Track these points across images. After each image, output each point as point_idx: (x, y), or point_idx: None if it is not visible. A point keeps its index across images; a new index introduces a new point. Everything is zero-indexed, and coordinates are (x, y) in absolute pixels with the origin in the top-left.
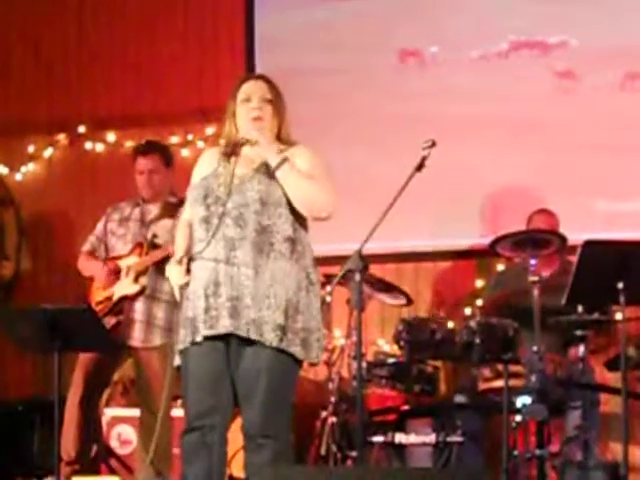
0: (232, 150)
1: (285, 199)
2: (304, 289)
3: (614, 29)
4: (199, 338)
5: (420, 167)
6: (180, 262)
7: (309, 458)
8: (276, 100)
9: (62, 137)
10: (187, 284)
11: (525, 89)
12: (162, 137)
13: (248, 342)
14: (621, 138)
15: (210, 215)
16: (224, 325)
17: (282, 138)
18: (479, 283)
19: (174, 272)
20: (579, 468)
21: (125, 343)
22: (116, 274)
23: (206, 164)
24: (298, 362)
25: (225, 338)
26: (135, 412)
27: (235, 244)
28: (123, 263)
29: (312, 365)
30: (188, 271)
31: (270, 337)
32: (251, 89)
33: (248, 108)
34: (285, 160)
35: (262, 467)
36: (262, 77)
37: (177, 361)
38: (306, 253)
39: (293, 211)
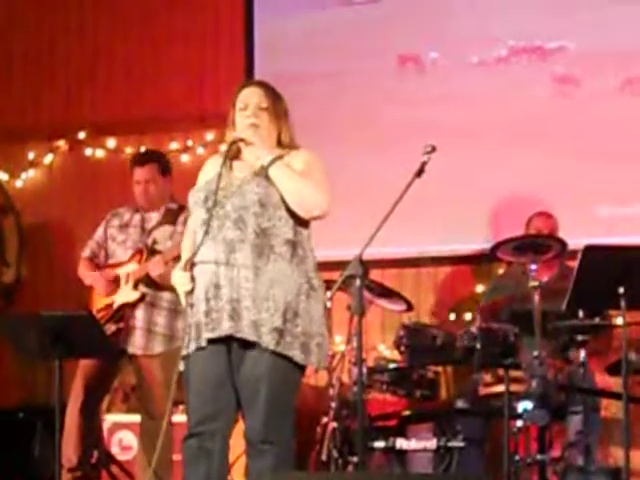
0: (232, 153)
1: (285, 202)
2: (304, 293)
3: (613, 34)
4: (203, 343)
5: (420, 172)
6: (185, 268)
7: (310, 464)
8: (273, 107)
9: (62, 143)
10: (192, 290)
11: (524, 94)
12: (162, 143)
13: (248, 345)
14: (621, 143)
15: (210, 218)
16: (225, 328)
17: (283, 143)
18: (480, 288)
19: (179, 279)
20: (580, 473)
21: (125, 350)
22: (115, 282)
23: (209, 170)
24: (299, 368)
25: (226, 341)
26: (136, 418)
27: (235, 246)
28: (122, 270)
29: (316, 371)
30: (193, 277)
31: (267, 339)
32: (247, 97)
33: (244, 116)
34: (278, 158)
35: (263, 473)
36: (259, 84)
37: (182, 366)
38: (308, 258)
39: (293, 214)
